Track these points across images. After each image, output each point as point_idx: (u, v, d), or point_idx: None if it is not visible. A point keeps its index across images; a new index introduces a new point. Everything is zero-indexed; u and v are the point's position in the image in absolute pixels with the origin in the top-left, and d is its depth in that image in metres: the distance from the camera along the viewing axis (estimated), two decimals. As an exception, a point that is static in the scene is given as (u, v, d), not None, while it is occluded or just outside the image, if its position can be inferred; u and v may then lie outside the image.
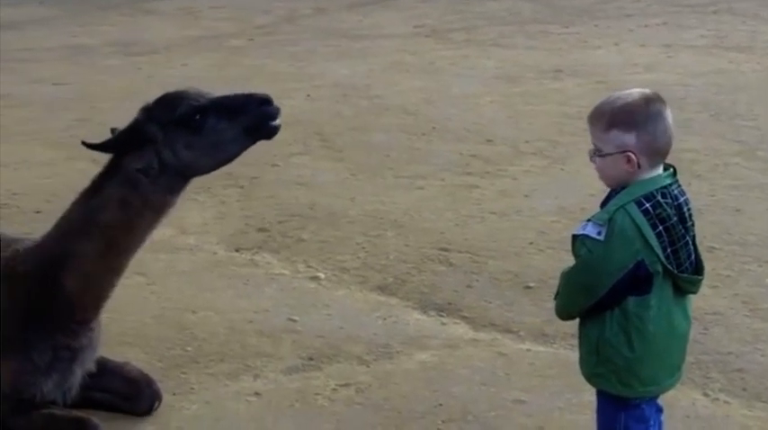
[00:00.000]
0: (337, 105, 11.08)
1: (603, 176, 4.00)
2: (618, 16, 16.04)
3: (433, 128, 10.15)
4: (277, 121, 4.80)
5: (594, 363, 4.03)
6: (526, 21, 15.87)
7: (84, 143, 4.77)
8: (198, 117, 4.73)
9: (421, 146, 9.66)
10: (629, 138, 3.87)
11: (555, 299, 4.14)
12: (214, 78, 12.08)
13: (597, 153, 3.95)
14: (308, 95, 11.47)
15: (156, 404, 5.28)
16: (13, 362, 4.90)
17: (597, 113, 3.96)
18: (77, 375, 5.08)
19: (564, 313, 4.14)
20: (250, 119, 4.75)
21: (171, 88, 4.92)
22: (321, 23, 16.05)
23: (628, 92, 3.99)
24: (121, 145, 4.80)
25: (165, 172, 4.76)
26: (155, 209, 4.83)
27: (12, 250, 5.07)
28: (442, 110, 10.79)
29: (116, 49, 14.14)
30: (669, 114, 3.94)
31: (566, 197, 8.14)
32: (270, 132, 4.82)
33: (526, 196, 8.30)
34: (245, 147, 4.85)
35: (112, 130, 4.90)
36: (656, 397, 4.14)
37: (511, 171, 8.90)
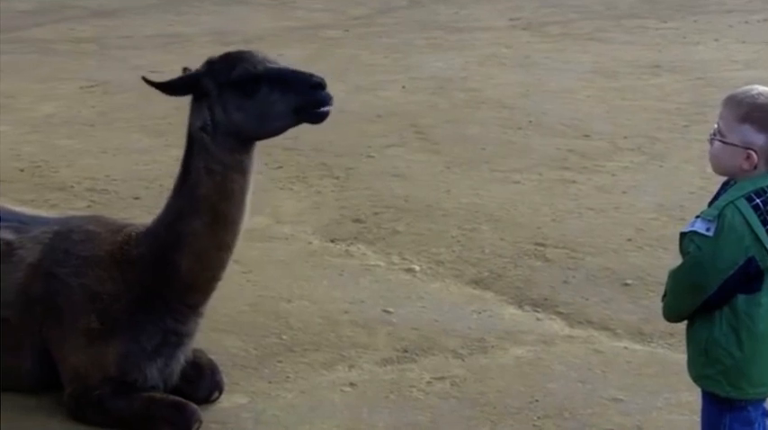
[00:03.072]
0: (433, 97, 11.05)
1: (715, 162, 3.92)
2: (718, 12, 15.80)
3: (530, 122, 10.08)
4: (326, 108, 4.79)
5: (703, 364, 3.95)
6: (623, 15, 15.70)
7: (144, 78, 4.89)
8: (253, 82, 4.77)
9: (517, 140, 9.60)
10: (759, 138, 3.79)
11: (662, 300, 4.07)
12: (309, 69, 12.10)
13: (719, 137, 3.87)
14: (404, 87, 11.45)
15: (216, 394, 5.28)
16: (121, 345, 4.97)
17: (735, 101, 3.86)
18: (180, 362, 5.13)
19: (672, 314, 4.05)
20: (300, 99, 4.77)
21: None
22: (417, 15, 16.02)
23: None
24: (178, 88, 4.92)
25: (218, 130, 4.82)
26: (235, 169, 4.85)
27: (124, 234, 5.15)
28: (539, 104, 10.71)
29: (211, 38, 14.24)
30: None
31: (664, 194, 8.03)
32: (316, 118, 4.83)
33: (624, 192, 8.20)
34: (289, 125, 4.89)
35: (184, 69, 5.04)
36: (764, 399, 4.05)
37: (609, 167, 8.80)
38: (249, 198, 4.94)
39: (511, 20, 15.49)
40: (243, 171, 4.87)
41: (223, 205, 4.87)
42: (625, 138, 9.55)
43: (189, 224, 4.90)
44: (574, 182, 8.46)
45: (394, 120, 10.10)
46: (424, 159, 9.08)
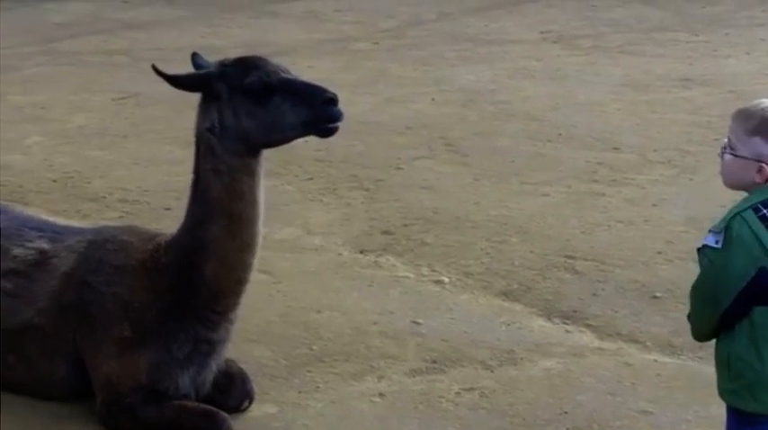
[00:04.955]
0: (462, 110, 11.05)
1: (726, 174, 3.94)
2: (749, 25, 15.73)
3: (559, 134, 10.08)
4: (336, 124, 4.83)
5: (727, 379, 3.94)
6: (654, 28, 15.65)
7: (153, 67, 4.97)
8: (266, 91, 4.79)
9: (546, 152, 9.60)
10: None
11: (688, 319, 4.06)
12: (339, 81, 12.14)
13: (730, 151, 3.88)
14: (433, 99, 11.46)
15: (246, 403, 5.32)
16: (153, 354, 5.01)
17: (746, 114, 3.89)
18: (212, 370, 5.16)
19: (697, 332, 4.05)
20: (311, 113, 4.80)
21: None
22: (446, 28, 16.01)
23: None
24: (188, 84, 4.99)
25: (226, 134, 4.84)
26: (242, 171, 4.87)
27: (155, 243, 5.21)
28: (569, 116, 10.70)
29: (243, 51, 14.10)
30: None
31: (695, 207, 8.01)
32: (325, 132, 4.88)
33: (654, 205, 8.19)
34: (297, 137, 4.94)
35: (194, 55, 5.18)
36: None
37: (638, 180, 8.80)
38: (262, 197, 4.97)
39: (541, 33, 15.46)
40: (250, 173, 4.90)
41: (236, 206, 4.90)
42: (655, 151, 9.53)
43: (208, 229, 4.94)
44: (603, 194, 8.46)
45: (423, 132, 10.12)
46: (453, 171, 9.09)
